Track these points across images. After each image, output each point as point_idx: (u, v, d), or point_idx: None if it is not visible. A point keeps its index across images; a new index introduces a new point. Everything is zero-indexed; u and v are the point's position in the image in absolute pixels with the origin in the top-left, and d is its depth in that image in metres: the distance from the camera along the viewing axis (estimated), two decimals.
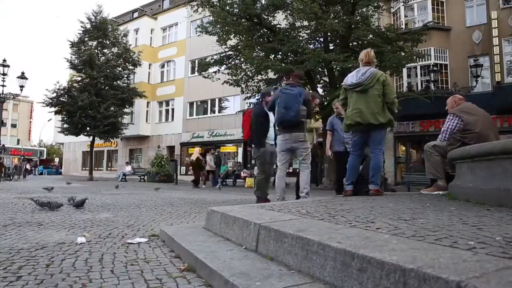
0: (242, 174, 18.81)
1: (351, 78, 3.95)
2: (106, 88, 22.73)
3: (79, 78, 23.09)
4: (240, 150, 23.18)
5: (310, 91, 13.95)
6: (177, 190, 11.53)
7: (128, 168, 23.69)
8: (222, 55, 16.23)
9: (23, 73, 16.22)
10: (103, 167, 31.78)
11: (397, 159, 17.90)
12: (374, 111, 3.76)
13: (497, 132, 4.25)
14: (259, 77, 14.78)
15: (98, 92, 21.95)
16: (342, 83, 4.12)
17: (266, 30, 14.83)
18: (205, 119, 25.46)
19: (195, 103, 26.34)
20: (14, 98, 19.08)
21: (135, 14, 31.67)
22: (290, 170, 6.29)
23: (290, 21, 14.97)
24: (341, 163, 5.14)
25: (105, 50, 23.61)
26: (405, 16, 17.52)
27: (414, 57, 13.40)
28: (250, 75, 14.86)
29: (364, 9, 13.43)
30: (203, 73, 16.75)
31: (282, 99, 4.54)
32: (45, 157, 54.29)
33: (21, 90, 16.48)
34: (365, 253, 1.25)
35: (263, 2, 14.61)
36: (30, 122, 61.44)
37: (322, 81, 15.02)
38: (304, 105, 4.49)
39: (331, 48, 14.19)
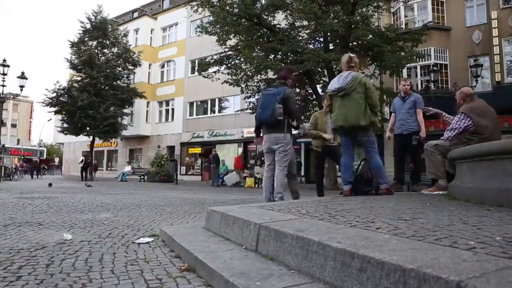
0: (243, 174, 18.85)
1: (333, 84, 4.00)
2: (106, 88, 22.75)
3: (79, 78, 23.11)
4: (241, 150, 23.18)
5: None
6: (177, 190, 11.53)
7: (128, 168, 23.71)
8: (222, 55, 16.22)
9: (23, 73, 16.22)
10: (103, 167, 31.79)
11: None
12: (357, 114, 3.83)
13: (501, 134, 4.14)
14: (259, 77, 14.77)
15: (98, 92, 21.97)
16: (327, 89, 4.25)
17: (266, 30, 14.82)
18: (205, 119, 25.46)
19: (195, 103, 26.34)
20: (14, 98, 19.11)
21: (135, 14, 31.68)
22: None
23: (290, 21, 14.96)
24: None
25: (105, 50, 23.63)
26: (405, 16, 17.51)
27: (414, 57, 13.39)
28: (250, 75, 14.84)
29: (364, 9, 13.40)
30: (203, 73, 16.75)
31: (260, 100, 4.57)
32: (45, 157, 54.28)
33: (21, 90, 16.48)
34: (365, 253, 1.25)
35: (263, 2, 14.59)
36: (30, 122, 61.42)
37: (322, 81, 15.02)
38: (284, 104, 4.33)
39: (331, 48, 14.18)
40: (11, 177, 21.05)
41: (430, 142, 4.21)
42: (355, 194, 4.03)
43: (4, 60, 15.36)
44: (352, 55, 4.16)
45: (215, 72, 16.37)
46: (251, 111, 15.47)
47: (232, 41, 15.49)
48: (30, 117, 61.22)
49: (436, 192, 3.94)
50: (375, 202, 3.09)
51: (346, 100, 3.88)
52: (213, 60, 16.61)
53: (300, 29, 14.77)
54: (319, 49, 13.85)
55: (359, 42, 13.51)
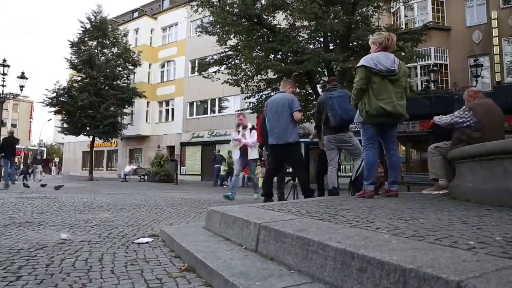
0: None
1: (384, 62, 3.44)
2: (106, 88, 22.74)
3: (79, 78, 23.10)
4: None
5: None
6: (177, 190, 11.53)
7: (128, 168, 23.73)
8: (222, 55, 16.23)
9: (23, 73, 16.20)
10: (103, 167, 31.79)
11: None
12: (402, 102, 3.49)
13: (504, 134, 4.02)
14: (259, 77, 14.78)
15: (98, 92, 21.96)
16: (366, 64, 3.46)
17: (266, 30, 14.82)
18: (205, 119, 25.46)
19: (195, 103, 26.35)
20: (14, 98, 19.07)
21: (135, 14, 31.67)
22: (290, 170, 6.30)
23: (290, 21, 14.96)
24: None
25: (105, 50, 23.61)
26: (405, 16, 17.52)
27: (414, 57, 13.38)
28: (250, 75, 14.86)
29: (364, 9, 13.41)
30: (203, 73, 16.76)
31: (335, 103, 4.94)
32: (45, 157, 54.22)
33: (21, 90, 16.46)
34: (365, 253, 1.25)
35: (263, 2, 14.60)
36: (30, 122, 61.41)
37: (322, 81, 15.02)
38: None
39: (331, 48, 14.18)
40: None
41: (432, 145, 4.22)
42: (354, 194, 4.02)
43: (4, 60, 15.33)
44: (393, 35, 3.81)
45: (215, 72, 16.38)
46: (251, 111, 15.46)
47: (232, 41, 15.49)
48: (30, 117, 61.21)
49: (436, 192, 3.93)
50: (375, 202, 3.09)
51: (393, 86, 3.45)
52: (213, 60, 16.61)
53: (300, 29, 14.78)
54: (319, 49, 13.85)
55: (359, 42, 13.51)
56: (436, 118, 4.14)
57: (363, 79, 3.45)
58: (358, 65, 3.56)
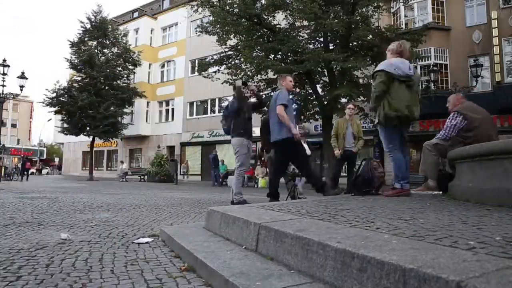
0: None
1: (403, 68, 3.63)
2: (106, 88, 22.74)
3: (79, 78, 23.10)
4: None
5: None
6: (177, 190, 11.53)
7: (123, 166, 23.78)
8: (222, 55, 16.22)
9: (23, 73, 16.20)
10: (103, 167, 31.80)
11: None
12: (418, 107, 3.72)
13: (497, 132, 4.23)
14: (259, 77, 14.76)
15: (98, 92, 21.96)
16: (385, 69, 3.65)
17: (266, 30, 14.80)
18: (205, 119, 25.46)
19: (195, 103, 26.35)
20: (14, 98, 19.07)
21: (135, 14, 31.67)
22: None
23: (290, 21, 14.95)
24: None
25: (105, 50, 23.61)
26: (405, 16, 17.51)
27: (414, 57, 13.37)
28: (250, 75, 14.84)
29: (364, 9, 13.40)
30: (203, 73, 16.74)
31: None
32: (45, 157, 54.30)
33: (21, 90, 16.45)
34: (365, 253, 1.25)
35: (263, 2, 14.59)
36: (30, 122, 61.40)
37: (322, 81, 15.02)
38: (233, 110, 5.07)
39: (331, 48, 14.17)
40: (11, 177, 21.06)
41: (430, 141, 4.16)
42: (355, 194, 4.03)
43: (4, 60, 15.32)
44: (406, 42, 3.90)
45: (215, 72, 16.37)
46: None
47: (232, 41, 15.48)
48: (30, 117, 61.19)
49: (424, 192, 3.93)
50: (375, 202, 3.09)
51: (411, 92, 3.68)
52: (213, 60, 16.60)
53: (300, 29, 14.76)
54: (319, 49, 13.84)
55: (359, 42, 13.51)
56: (437, 136, 4.16)
57: (383, 83, 3.64)
58: (377, 69, 3.74)
